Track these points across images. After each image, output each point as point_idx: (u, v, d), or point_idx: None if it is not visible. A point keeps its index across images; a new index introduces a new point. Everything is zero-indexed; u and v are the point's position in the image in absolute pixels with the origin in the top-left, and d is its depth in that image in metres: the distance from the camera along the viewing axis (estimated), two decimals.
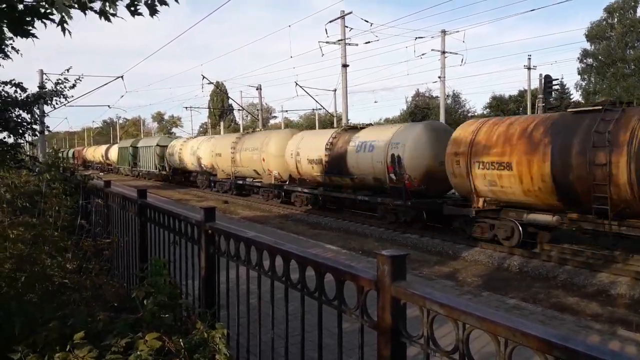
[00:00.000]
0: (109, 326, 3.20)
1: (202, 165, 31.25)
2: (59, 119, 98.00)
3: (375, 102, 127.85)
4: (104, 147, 62.65)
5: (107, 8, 3.28)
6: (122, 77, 27.25)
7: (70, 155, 75.16)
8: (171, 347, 2.88)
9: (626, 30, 44.41)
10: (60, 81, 8.28)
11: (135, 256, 5.02)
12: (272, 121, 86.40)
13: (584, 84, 48.69)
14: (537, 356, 1.49)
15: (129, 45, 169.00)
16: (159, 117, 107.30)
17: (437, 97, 45.37)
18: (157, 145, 39.99)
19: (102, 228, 5.93)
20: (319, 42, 28.50)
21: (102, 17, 3.32)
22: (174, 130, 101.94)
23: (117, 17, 3.34)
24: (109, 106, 40.97)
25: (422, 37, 43.86)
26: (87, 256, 4.56)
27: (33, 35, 3.43)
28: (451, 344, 1.78)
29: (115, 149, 53.34)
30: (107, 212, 6.14)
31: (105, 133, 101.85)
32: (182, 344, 2.91)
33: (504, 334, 1.58)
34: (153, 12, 3.47)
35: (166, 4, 3.49)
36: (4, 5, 3.26)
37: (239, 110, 58.80)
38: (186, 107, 57.45)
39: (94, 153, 65.26)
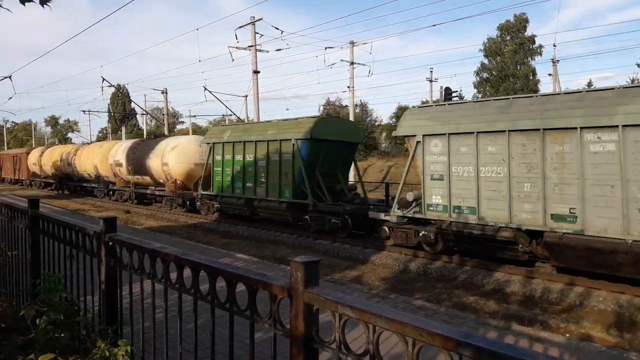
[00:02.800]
0: None
1: None
2: None
3: (287, 109, 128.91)
4: (120, 145, 28.22)
5: None
6: (10, 77, 25.07)
7: None
8: None
9: (517, 48, 48.49)
10: None
11: (27, 272, 4.61)
12: (178, 126, 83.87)
13: (480, 96, 52.44)
14: (442, 354, 1.55)
15: (18, 43, 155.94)
16: (53, 121, 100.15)
17: (347, 106, 46.57)
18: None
19: None
20: (228, 47, 28.15)
21: None
22: (69, 135, 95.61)
23: (2, 7, 3.06)
24: None
25: (331, 47, 45.00)
26: None
27: None
28: (362, 347, 1.81)
29: (186, 149, 22.45)
30: None
31: None
32: None
33: (412, 334, 1.63)
34: (44, 1, 3.21)
35: None
36: None
37: (142, 114, 56.52)
38: (84, 111, 53.67)
39: (86, 159, 30.39)
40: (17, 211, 4.81)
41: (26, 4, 3.20)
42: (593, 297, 9.11)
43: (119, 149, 27.08)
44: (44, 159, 37.90)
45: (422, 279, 11.10)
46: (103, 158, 28.68)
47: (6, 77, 25.03)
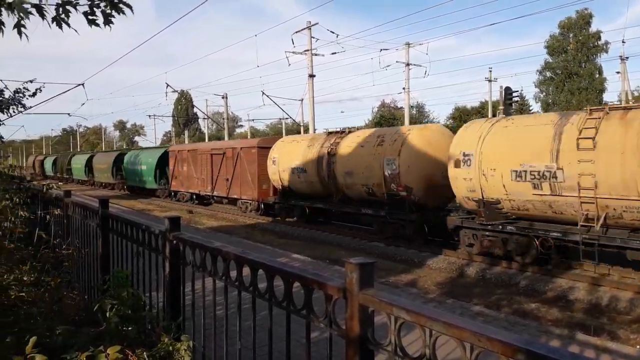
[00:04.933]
0: (69, 340, 3.10)
1: None
2: (15, 127, 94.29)
3: (342, 112, 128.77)
4: None
5: (62, 16, 3.21)
6: (83, 84, 26.52)
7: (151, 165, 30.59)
8: None
9: (580, 46, 46.26)
10: (19, 90, 7.98)
11: (97, 268, 4.88)
12: (237, 130, 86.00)
13: (542, 95, 50.37)
14: None
15: (90, 52, 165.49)
16: (120, 126, 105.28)
17: (402, 107, 46.11)
18: None
19: (62, 239, 5.74)
20: (285, 52, 28.58)
21: (56, 24, 3.25)
22: (136, 138, 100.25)
23: (71, 28, 3.28)
24: (69, 114, 39.78)
25: (387, 49, 44.61)
26: (45, 268, 4.41)
27: None
28: (418, 351, 1.80)
29: None
30: (67, 222, 5.96)
31: (64, 141, 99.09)
32: (145, 356, 2.84)
33: (470, 339, 1.61)
34: (107, 21, 3.41)
35: (123, 12, 3.43)
36: None
37: (204, 118, 58.33)
38: (150, 116, 56.06)
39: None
40: (89, 210, 5.12)
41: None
42: None
43: None
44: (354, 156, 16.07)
45: (481, 284, 10.81)
46: None
47: (79, 85, 26.49)
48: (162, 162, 30.38)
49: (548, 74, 48.91)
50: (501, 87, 31.50)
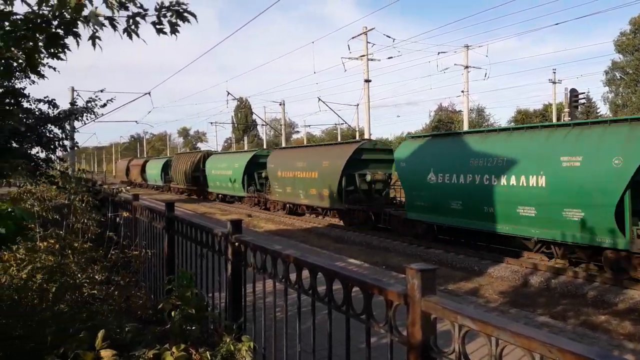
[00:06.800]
0: (137, 337, 3.23)
1: None
2: (88, 135, 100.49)
3: (398, 116, 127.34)
4: None
5: (132, 27, 3.38)
6: (149, 93, 27.81)
7: None
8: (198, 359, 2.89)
9: None
10: (91, 99, 8.47)
11: (163, 268, 5.08)
12: (294, 136, 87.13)
13: (611, 96, 47.82)
14: None
15: (156, 62, 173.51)
16: (184, 133, 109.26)
17: (460, 111, 45.10)
18: None
19: (130, 240, 6.01)
20: (341, 58, 28.68)
21: (127, 35, 3.43)
22: (198, 145, 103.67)
23: (140, 38, 3.44)
24: (136, 122, 41.74)
25: (444, 52, 43.91)
26: (115, 268, 4.63)
27: (66, 49, 3.53)
28: None
29: None
30: (135, 224, 6.23)
31: (132, 148, 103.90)
32: (208, 356, 2.91)
33: (540, 350, 1.54)
34: (174, 30, 3.56)
35: (188, 21, 3.56)
36: (39, 21, 3.37)
37: (262, 125, 59.54)
38: (211, 123, 57.91)
39: None
40: (156, 213, 5.34)
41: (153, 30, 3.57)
42: None
43: None
44: None
45: (545, 294, 10.37)
46: None
47: (146, 94, 27.82)
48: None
49: (617, 74, 46.44)
50: (566, 89, 30.15)
